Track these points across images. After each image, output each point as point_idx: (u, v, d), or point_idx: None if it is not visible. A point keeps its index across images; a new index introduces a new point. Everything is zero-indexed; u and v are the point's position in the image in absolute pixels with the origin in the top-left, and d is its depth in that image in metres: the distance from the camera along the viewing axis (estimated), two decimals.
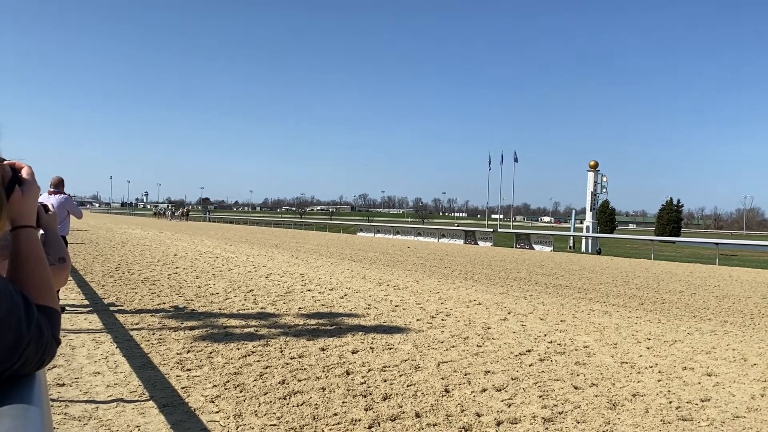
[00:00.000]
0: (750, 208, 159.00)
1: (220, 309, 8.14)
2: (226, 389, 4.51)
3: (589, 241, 30.67)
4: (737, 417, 4.25)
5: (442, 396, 4.51)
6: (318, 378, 4.87)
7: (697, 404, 4.52)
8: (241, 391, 4.47)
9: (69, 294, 8.96)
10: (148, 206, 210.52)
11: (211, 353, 5.61)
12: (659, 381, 5.16)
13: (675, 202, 62.89)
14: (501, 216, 60.33)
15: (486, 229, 34.80)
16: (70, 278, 10.71)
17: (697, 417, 4.22)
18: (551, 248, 28.83)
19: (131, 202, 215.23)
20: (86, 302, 8.40)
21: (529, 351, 6.15)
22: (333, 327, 7.07)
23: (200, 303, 8.61)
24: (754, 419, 4.21)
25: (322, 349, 5.88)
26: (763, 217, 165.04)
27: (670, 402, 4.54)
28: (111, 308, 7.97)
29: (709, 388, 4.99)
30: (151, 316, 7.49)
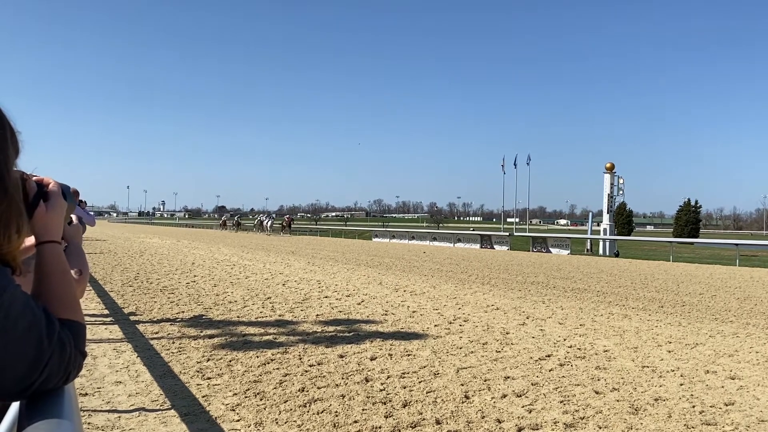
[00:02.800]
0: (766, 207, 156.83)
1: (238, 317, 8.18)
2: (246, 397, 4.53)
3: (607, 243, 30.41)
4: (762, 421, 4.19)
5: (462, 402, 4.49)
6: (337, 385, 4.88)
7: (720, 408, 4.47)
8: (261, 399, 4.48)
9: (89, 304, 9.06)
10: (165, 215, 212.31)
11: (230, 361, 5.64)
12: (681, 385, 5.10)
13: (693, 203, 62.29)
14: (517, 219, 60.17)
15: (502, 233, 34.68)
16: (90, 288, 10.82)
17: (721, 421, 4.16)
18: (568, 251, 28.65)
19: (148, 212, 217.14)
20: (106, 312, 8.48)
21: (548, 356, 6.11)
22: (351, 334, 7.08)
23: (219, 311, 8.66)
24: None
25: (341, 356, 5.89)
26: None
27: (693, 406, 4.49)
28: (131, 317, 8.04)
29: (732, 392, 4.93)
30: (171, 324, 7.54)
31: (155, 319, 7.90)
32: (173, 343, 6.44)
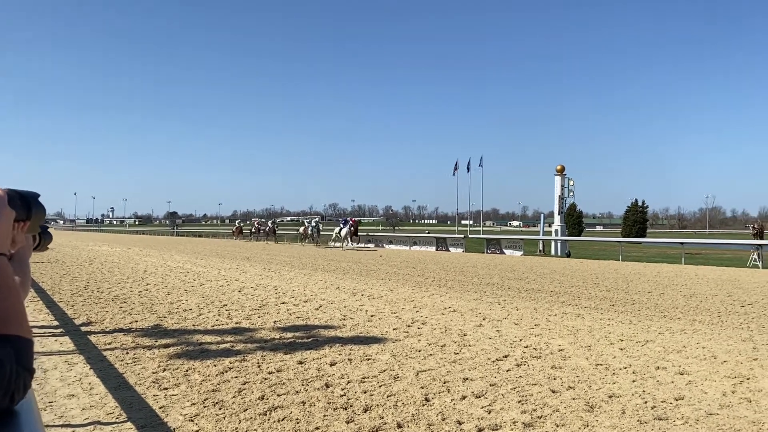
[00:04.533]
0: (712, 207, 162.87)
1: (194, 325, 8.05)
2: (205, 407, 4.46)
3: (558, 244, 31.05)
4: (711, 414, 4.35)
5: (423, 405, 4.53)
6: (297, 392, 4.85)
7: (671, 403, 4.62)
8: (220, 409, 4.42)
9: (37, 315, 8.78)
10: (115, 222, 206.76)
11: (187, 371, 5.55)
12: (634, 381, 5.26)
13: (640, 204, 64.18)
14: (471, 222, 60.77)
15: (457, 236, 35.01)
16: (38, 299, 10.49)
17: (672, 416, 4.31)
18: (521, 252, 29.13)
19: (97, 219, 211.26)
20: (56, 323, 8.22)
21: (506, 356, 6.21)
22: (310, 339, 7.05)
23: (173, 320, 8.50)
24: (726, 416, 4.32)
25: (300, 363, 5.86)
26: (724, 215, 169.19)
27: (646, 402, 4.63)
28: (82, 328, 7.82)
29: (682, 387, 5.10)
30: (124, 335, 7.37)
31: (108, 330, 7.71)
32: (127, 353, 6.30)
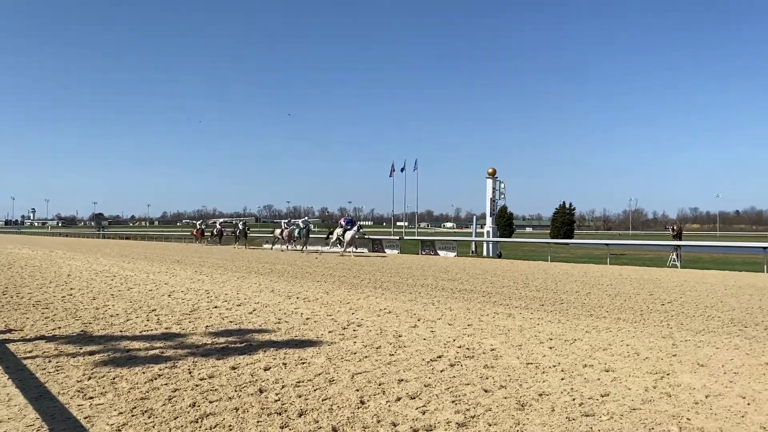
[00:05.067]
0: (635, 209, 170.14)
1: (121, 331, 7.77)
2: (133, 416, 4.31)
3: (490, 245, 31.73)
4: (634, 409, 4.53)
5: (358, 408, 4.52)
6: (230, 398, 4.76)
7: (597, 399, 4.79)
8: (149, 417, 4.29)
9: None
10: (36, 223, 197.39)
11: (114, 379, 5.35)
12: (563, 379, 5.42)
13: (567, 206, 66.31)
14: (406, 223, 61.37)
15: (392, 237, 35.22)
16: None
17: (599, 412, 4.46)
18: (455, 254, 29.59)
19: (17, 220, 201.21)
20: None
21: (439, 357, 6.29)
22: (243, 344, 6.93)
23: (99, 326, 8.18)
24: (648, 410, 4.51)
25: (233, 368, 5.74)
26: (646, 217, 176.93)
27: (574, 399, 4.78)
28: (0, 336, 7.42)
29: (607, 384, 5.29)
30: (46, 342, 7.03)
31: (28, 337, 7.34)
32: (49, 361, 6.01)
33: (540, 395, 4.89)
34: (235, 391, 4.97)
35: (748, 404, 4.70)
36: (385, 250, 32.59)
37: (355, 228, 29.81)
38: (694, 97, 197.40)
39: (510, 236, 55.36)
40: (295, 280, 15.34)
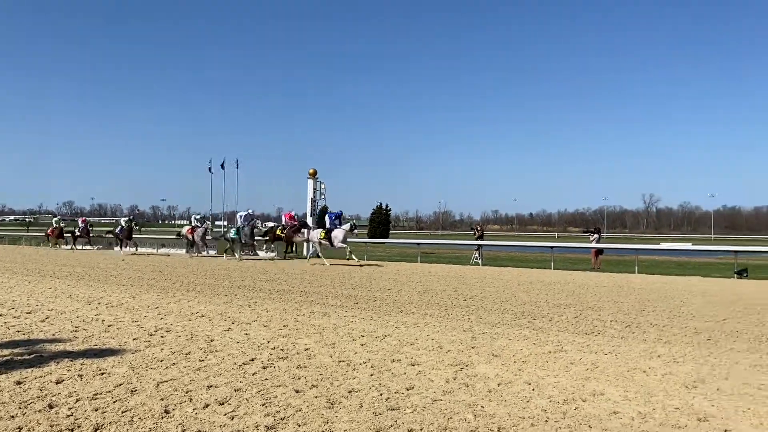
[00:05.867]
0: (444, 211, 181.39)
1: None
2: None
3: (310, 245, 31.93)
4: (436, 400, 4.82)
5: (162, 418, 4.31)
6: (13, 417, 4.28)
7: (403, 393, 5.02)
8: None
9: None
10: None
11: None
12: (372, 375, 5.61)
13: (384, 207, 68.90)
14: (225, 222, 59.65)
15: (209, 237, 34.00)
16: None
17: (403, 405, 4.68)
18: (275, 254, 29.33)
19: None
20: None
21: (252, 360, 6.19)
22: (32, 356, 6.27)
23: None
24: (448, 400, 4.82)
25: (19, 383, 5.17)
26: (454, 218, 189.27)
27: (381, 394, 4.97)
28: None
29: (413, 377, 5.57)
30: None
31: None
32: None
33: (350, 392, 5.02)
34: (20, 408, 4.48)
35: (533, 390, 5.22)
36: (203, 252, 31.39)
37: (347, 226, 23.22)
38: (498, 111, 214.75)
39: None
40: (97, 284, 14.21)
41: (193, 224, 29.93)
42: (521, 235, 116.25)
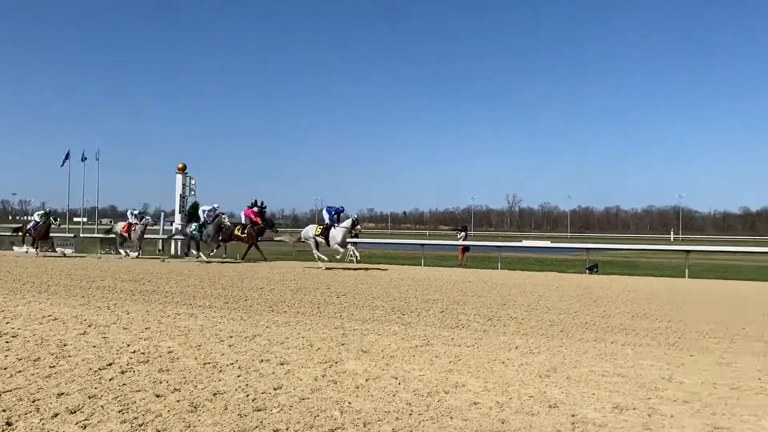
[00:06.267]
0: (320, 208, 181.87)
1: None
2: None
3: (179, 243, 30.74)
4: (303, 399, 4.80)
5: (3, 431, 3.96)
6: None
7: (270, 393, 4.96)
8: None
9: None
10: None
11: None
12: (239, 377, 5.49)
13: (260, 203, 67.73)
14: (85, 219, 55.95)
15: (66, 235, 31.78)
16: None
17: (270, 405, 4.62)
18: (138, 253, 27.90)
19: None
20: None
21: (110, 364, 5.85)
22: None
23: None
24: (316, 398, 4.82)
25: None
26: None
27: (248, 395, 4.87)
28: None
29: (281, 377, 5.52)
30: None
31: None
32: None
33: (214, 395, 4.88)
34: None
35: (399, 383, 5.35)
36: (57, 249, 29.19)
37: (348, 223, 20.54)
38: (372, 112, 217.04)
39: None
40: None
41: (131, 220, 26.23)
42: (395, 233, 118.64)
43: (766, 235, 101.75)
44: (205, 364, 5.97)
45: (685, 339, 7.92)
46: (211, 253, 24.31)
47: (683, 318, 9.80)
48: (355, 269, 20.41)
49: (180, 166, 32.96)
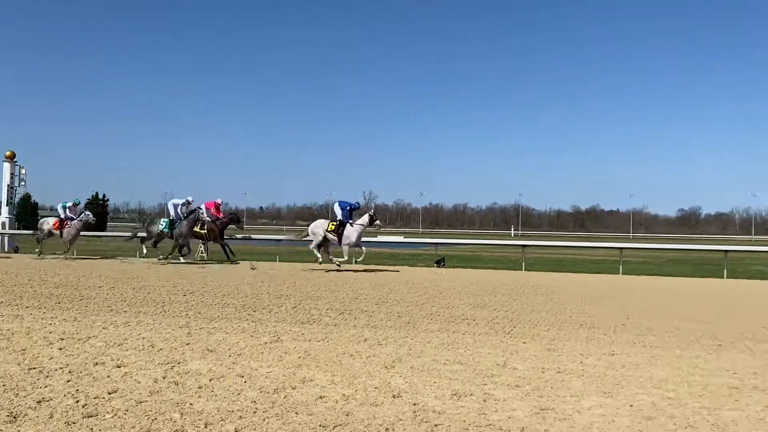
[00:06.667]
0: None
1: None
2: None
3: (6, 238, 28.09)
4: (140, 402, 4.54)
5: None
6: None
7: (104, 398, 4.63)
8: None
9: None
10: None
11: None
12: (68, 381, 5.08)
13: (101, 197, 63.47)
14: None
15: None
16: None
17: (103, 410, 4.32)
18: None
19: None
20: None
21: None
22: None
23: None
24: (155, 401, 4.57)
25: None
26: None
27: (78, 401, 4.52)
28: None
29: (117, 380, 5.18)
30: None
31: None
32: None
33: (39, 402, 4.47)
34: None
35: (245, 381, 5.23)
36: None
37: (365, 220, 18.30)
38: (230, 112, 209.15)
39: (36, 229, 49.76)
40: None
41: (63, 215, 22.44)
42: (251, 228, 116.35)
43: (594, 232, 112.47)
44: (30, 369, 5.45)
45: (519, 327, 8.50)
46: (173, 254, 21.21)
47: (519, 308, 10.52)
48: (203, 266, 19.75)
49: (8, 153, 30.11)
